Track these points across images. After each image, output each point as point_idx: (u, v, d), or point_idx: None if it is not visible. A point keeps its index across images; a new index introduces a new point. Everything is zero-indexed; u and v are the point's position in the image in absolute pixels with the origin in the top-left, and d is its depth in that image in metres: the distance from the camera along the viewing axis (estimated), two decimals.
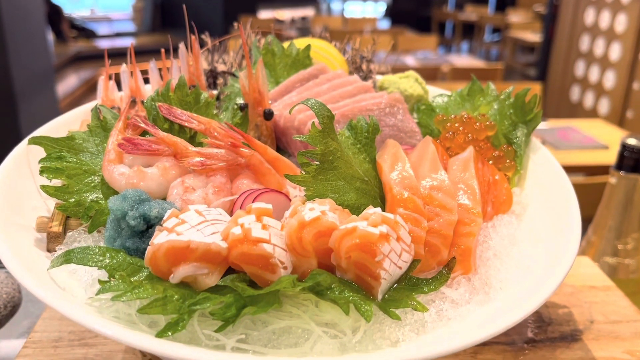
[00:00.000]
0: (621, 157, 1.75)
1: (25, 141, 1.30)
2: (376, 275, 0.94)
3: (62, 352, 1.27)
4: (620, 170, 1.77)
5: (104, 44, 13.47)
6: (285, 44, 1.64)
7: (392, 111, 1.42)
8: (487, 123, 1.41)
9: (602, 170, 3.85)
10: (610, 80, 6.62)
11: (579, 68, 7.24)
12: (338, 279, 0.96)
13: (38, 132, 1.36)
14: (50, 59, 6.70)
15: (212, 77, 1.72)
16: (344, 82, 1.50)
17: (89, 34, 14.16)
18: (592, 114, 6.89)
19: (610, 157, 4.00)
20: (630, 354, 1.29)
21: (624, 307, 1.45)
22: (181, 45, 1.53)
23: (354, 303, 0.91)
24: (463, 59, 9.22)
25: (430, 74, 7.84)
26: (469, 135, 1.38)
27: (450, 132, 1.39)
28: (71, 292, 0.98)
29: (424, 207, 1.07)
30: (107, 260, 0.97)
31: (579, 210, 1.18)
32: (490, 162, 1.35)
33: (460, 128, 1.40)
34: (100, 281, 0.93)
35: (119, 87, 1.57)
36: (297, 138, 1.12)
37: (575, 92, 7.36)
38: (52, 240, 1.11)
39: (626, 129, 5.97)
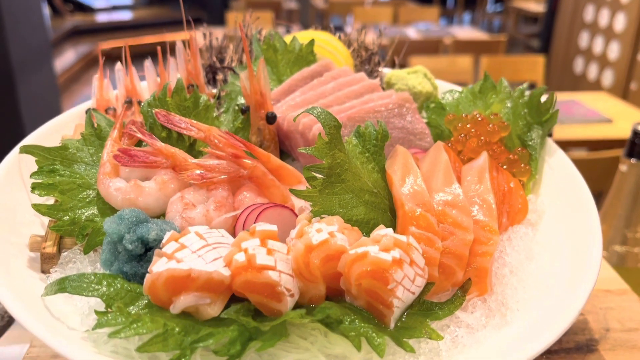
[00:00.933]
0: (632, 144, 1.69)
1: (16, 150, 1.24)
2: (389, 304, 0.89)
3: None
4: (631, 158, 1.71)
5: (101, 18, 13.24)
6: (288, 38, 1.56)
7: (401, 112, 1.36)
8: (500, 124, 1.35)
9: (606, 144, 3.78)
10: (614, 51, 6.50)
11: (583, 39, 7.11)
12: (348, 309, 0.91)
13: (30, 139, 1.30)
14: (47, 34, 6.57)
15: (212, 72, 1.64)
16: (350, 80, 1.42)
17: (85, 8, 13.91)
18: (596, 86, 6.78)
19: (614, 130, 3.92)
20: None
21: None
22: (178, 43, 1.45)
23: (366, 336, 0.86)
24: (465, 31, 9.06)
25: (432, 47, 7.69)
26: (482, 137, 1.31)
27: (462, 135, 1.33)
28: (66, 322, 0.93)
29: (438, 225, 1.01)
30: (104, 289, 0.92)
31: (599, 221, 1.12)
32: (504, 166, 1.29)
33: (473, 130, 1.34)
34: (97, 312, 0.87)
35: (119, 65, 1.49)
36: (303, 151, 1.06)
37: (579, 64, 7.24)
38: (46, 262, 1.05)
39: (630, 102, 5.87)
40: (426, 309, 0.95)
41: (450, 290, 1.01)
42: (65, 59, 10.74)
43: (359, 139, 1.16)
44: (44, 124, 1.38)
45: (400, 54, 1.83)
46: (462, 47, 7.44)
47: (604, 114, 4.14)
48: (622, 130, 3.94)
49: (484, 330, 0.96)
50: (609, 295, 1.48)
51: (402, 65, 1.76)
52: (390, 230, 0.95)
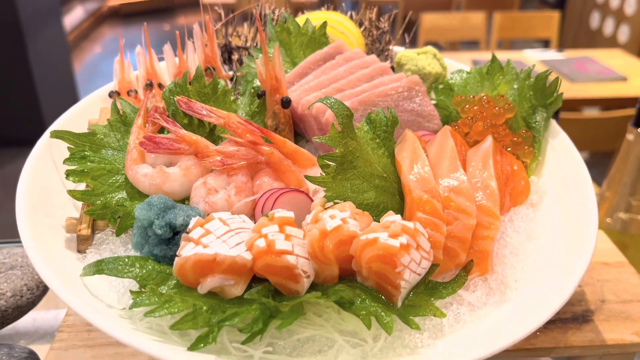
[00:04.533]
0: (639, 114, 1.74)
1: (47, 134, 1.32)
2: (396, 285, 0.98)
3: (97, 336, 1.33)
4: (638, 127, 1.76)
5: None
6: (301, 20, 1.60)
7: (411, 95, 1.41)
8: (507, 106, 1.40)
9: (620, 103, 3.73)
10: (631, 5, 6.38)
11: None
12: (359, 289, 0.99)
13: (58, 124, 1.38)
14: None
15: (227, 52, 1.70)
16: (362, 63, 1.48)
17: None
18: (612, 42, 6.68)
19: (628, 89, 3.87)
20: (639, 335, 1.33)
21: (635, 285, 1.49)
22: (195, 26, 1.50)
23: (375, 315, 0.95)
24: None
25: (445, 4, 7.58)
26: (488, 120, 1.37)
27: (469, 117, 1.38)
28: (104, 299, 1.03)
29: (443, 210, 1.09)
30: (137, 270, 1.01)
31: (596, 204, 1.19)
32: (509, 148, 1.35)
33: (479, 112, 1.39)
34: (132, 292, 0.97)
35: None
36: (317, 140, 1.13)
37: (595, 19, 7.12)
38: (82, 242, 1.14)
39: None
40: (431, 289, 1.04)
41: (453, 270, 1.09)
42: (74, 16, 10.68)
43: (370, 125, 1.23)
44: (70, 108, 1.45)
45: (412, 27, 1.87)
46: (475, 3, 7.33)
47: (619, 72, 4.08)
48: (637, 89, 3.89)
49: (485, 308, 1.05)
50: (606, 268, 1.56)
51: (413, 42, 1.80)
52: (398, 216, 1.03)
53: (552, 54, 4.62)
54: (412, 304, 1.01)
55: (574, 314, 1.41)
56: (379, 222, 1.10)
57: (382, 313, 0.95)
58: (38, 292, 1.52)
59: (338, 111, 1.14)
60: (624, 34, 6.53)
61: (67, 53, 6.44)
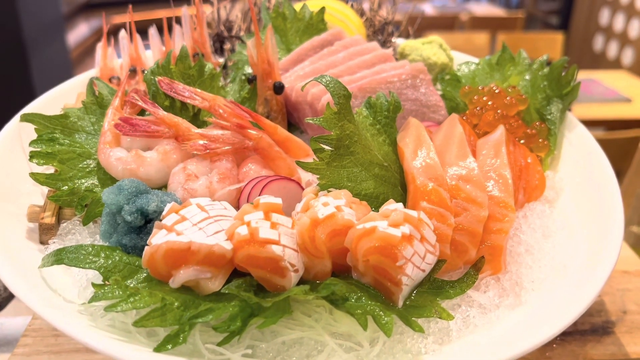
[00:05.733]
0: None
1: (17, 118, 1.20)
2: (397, 281, 0.85)
3: (64, 341, 1.20)
4: None
5: None
6: (297, 6, 1.50)
7: (415, 83, 1.30)
8: (518, 97, 1.29)
9: (625, 124, 3.66)
10: (635, 29, 6.33)
11: (604, 16, 6.93)
12: (355, 286, 0.87)
13: (31, 108, 1.27)
14: (59, 7, 6.52)
15: (219, 41, 1.59)
16: (362, 50, 1.37)
17: None
18: (615, 64, 6.62)
19: (633, 110, 3.81)
20: None
21: None
22: (184, 9, 1.40)
23: (373, 315, 0.82)
24: (482, 7, 8.88)
25: (448, 23, 7.54)
26: (499, 111, 1.26)
27: (478, 108, 1.27)
28: (63, 294, 0.90)
29: (451, 200, 0.96)
30: (102, 261, 0.88)
31: (621, 202, 1.07)
32: (522, 141, 1.23)
33: (489, 102, 1.28)
34: (94, 285, 0.84)
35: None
36: (310, 121, 1.01)
37: (598, 42, 7.07)
38: (45, 232, 1.02)
39: None
40: (437, 287, 0.91)
41: (462, 268, 0.97)
42: (79, 32, 10.68)
43: (370, 110, 1.11)
44: (44, 93, 1.34)
45: (415, 24, 1.77)
46: (479, 23, 7.29)
47: (623, 93, 4.02)
48: None
49: (497, 311, 0.92)
50: (626, 276, 1.43)
51: (417, 37, 1.69)
52: (400, 205, 0.91)
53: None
54: (415, 304, 0.88)
55: (593, 325, 1.28)
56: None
57: (381, 312, 0.83)
58: (5, 294, 1.40)
59: (334, 90, 1.02)
60: (627, 57, 6.47)
61: (69, 69, 6.39)
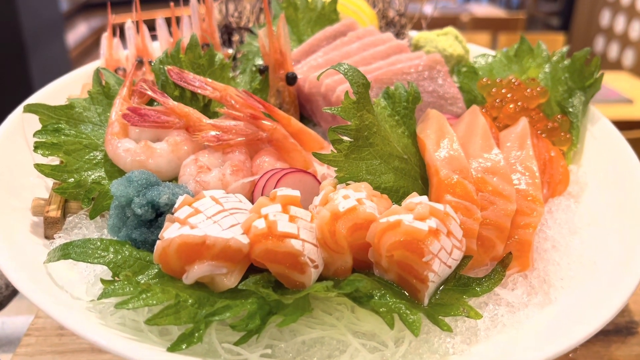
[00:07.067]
0: None
1: (20, 109, 1.16)
2: (423, 278, 0.80)
3: (68, 341, 1.15)
4: None
5: None
6: None
7: (432, 74, 1.26)
8: (539, 89, 1.24)
9: (626, 125, 3.63)
10: (636, 30, 6.30)
11: (604, 17, 6.90)
12: (378, 283, 0.82)
13: (34, 98, 1.22)
14: (58, 7, 6.48)
15: (227, 33, 1.55)
16: (376, 40, 1.32)
17: None
18: (616, 66, 6.59)
19: (635, 111, 3.77)
20: None
21: None
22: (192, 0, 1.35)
23: (399, 313, 0.77)
24: (483, 8, 8.86)
25: (449, 24, 7.51)
26: (519, 103, 1.21)
27: (497, 100, 1.23)
28: (70, 290, 0.85)
29: (477, 193, 0.92)
30: (111, 256, 0.84)
31: None
32: (543, 135, 1.19)
33: (509, 95, 1.23)
34: (103, 281, 0.80)
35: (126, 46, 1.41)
36: (328, 110, 0.97)
37: (599, 43, 7.05)
38: (50, 226, 0.98)
39: None
40: (463, 285, 0.86)
41: (488, 264, 0.92)
42: (78, 32, 10.62)
43: (388, 101, 1.07)
44: (49, 84, 1.29)
45: (427, 19, 1.72)
46: (480, 24, 7.25)
47: (625, 95, 3.99)
48: None
49: (526, 309, 0.88)
50: None
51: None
52: (424, 197, 0.86)
53: None
54: (441, 302, 0.83)
55: (616, 326, 1.23)
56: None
57: (407, 310, 0.78)
58: (7, 292, 1.35)
59: (353, 79, 0.98)
60: (628, 58, 6.44)
61: (69, 69, 6.35)
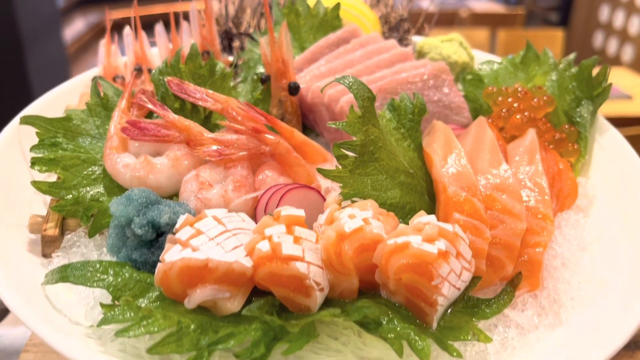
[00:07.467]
0: None
1: (16, 120, 1.13)
2: (432, 302, 0.78)
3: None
4: None
5: None
6: (311, 2, 1.43)
7: (437, 83, 1.23)
8: (545, 98, 1.22)
9: (626, 121, 3.58)
10: (635, 25, 6.26)
11: (603, 13, 6.87)
12: (385, 306, 0.80)
13: (31, 109, 1.19)
14: (56, 2, 6.43)
15: (228, 38, 1.52)
16: (380, 48, 1.30)
17: None
18: (615, 61, 6.56)
19: (634, 107, 3.73)
20: None
21: None
22: (192, 5, 1.32)
23: (407, 339, 0.75)
24: (482, 3, 8.80)
25: (448, 20, 7.46)
26: (526, 113, 1.19)
27: (504, 110, 1.20)
28: (69, 314, 0.83)
29: (485, 211, 0.89)
30: (111, 279, 0.82)
31: None
32: (551, 146, 1.17)
33: (515, 104, 1.21)
34: (102, 305, 0.78)
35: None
36: (333, 125, 0.94)
37: (598, 38, 7.01)
38: (48, 245, 0.95)
39: None
40: (472, 307, 0.84)
41: (497, 284, 0.90)
42: (75, 28, 10.55)
43: (394, 113, 1.04)
44: (46, 93, 1.27)
45: (432, 21, 1.69)
46: (479, 19, 7.22)
47: (624, 90, 3.95)
48: None
49: (536, 331, 0.86)
50: None
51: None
52: (433, 217, 0.84)
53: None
54: (449, 325, 0.81)
55: None
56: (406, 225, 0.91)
57: (416, 337, 0.76)
58: (2, 305, 1.32)
59: (358, 92, 0.95)
60: (627, 53, 6.41)
61: (66, 65, 6.31)
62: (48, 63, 5.87)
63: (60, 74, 6.17)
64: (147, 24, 1.36)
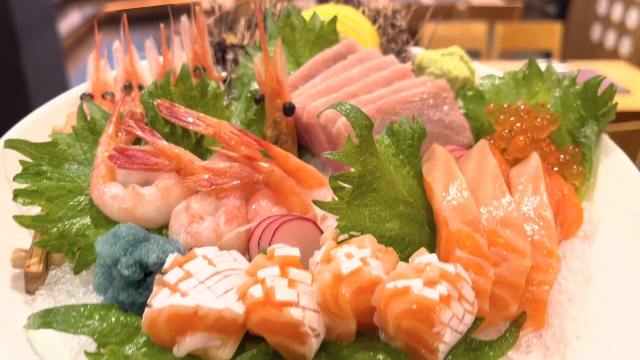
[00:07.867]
0: None
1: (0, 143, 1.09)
2: (433, 349, 0.74)
3: None
4: None
5: None
6: (307, 14, 1.38)
7: (437, 102, 1.19)
8: (549, 116, 1.18)
9: (624, 116, 3.53)
10: (633, 18, 6.22)
11: (601, 5, 6.82)
12: (383, 352, 0.76)
13: (16, 131, 1.15)
14: None
15: (221, 51, 1.47)
16: (378, 64, 1.25)
17: None
18: (613, 54, 6.51)
19: (632, 102, 3.69)
20: None
21: None
22: (183, 19, 1.28)
23: None
24: None
25: (446, 12, 7.40)
26: (529, 134, 1.15)
27: (506, 131, 1.16)
28: (52, 359, 0.79)
29: (489, 247, 0.86)
30: (96, 324, 0.78)
31: None
32: (555, 168, 1.13)
33: (517, 124, 1.17)
34: (87, 354, 0.74)
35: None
36: (329, 156, 0.90)
37: (596, 32, 6.97)
38: (31, 282, 0.91)
39: None
40: (474, 349, 0.81)
41: (501, 324, 0.87)
42: (70, 21, 10.45)
43: (392, 139, 1.00)
44: (33, 111, 1.22)
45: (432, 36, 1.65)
46: (477, 12, 7.17)
47: (622, 85, 3.90)
48: None
49: None
50: None
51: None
52: (434, 257, 0.80)
53: (555, 66, 4.42)
54: None
55: None
56: (404, 258, 0.88)
57: None
58: None
59: (355, 120, 0.91)
60: (625, 47, 6.37)
61: (61, 58, 6.24)
62: (43, 56, 5.80)
63: (55, 67, 6.10)
64: (142, 18, 1.31)
